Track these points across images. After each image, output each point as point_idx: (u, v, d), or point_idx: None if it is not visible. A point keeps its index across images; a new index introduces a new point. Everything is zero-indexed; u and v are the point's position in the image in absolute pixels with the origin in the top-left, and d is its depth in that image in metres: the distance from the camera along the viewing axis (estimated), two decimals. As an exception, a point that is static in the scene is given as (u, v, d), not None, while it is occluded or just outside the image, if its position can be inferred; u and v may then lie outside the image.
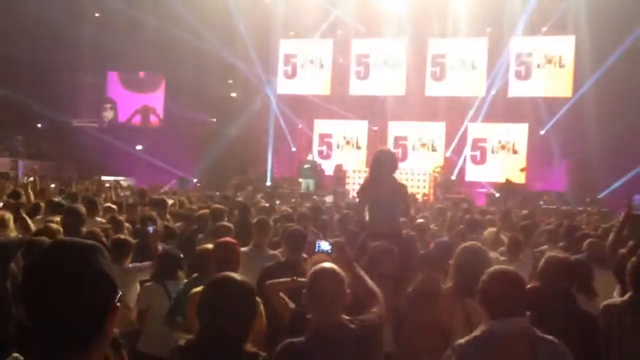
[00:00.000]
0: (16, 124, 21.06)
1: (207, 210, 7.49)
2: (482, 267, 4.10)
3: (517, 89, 20.36)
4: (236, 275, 2.62)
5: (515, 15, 19.39)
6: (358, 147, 21.91)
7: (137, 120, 24.29)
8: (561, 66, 19.99)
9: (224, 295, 2.50)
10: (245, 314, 2.51)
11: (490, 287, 2.95)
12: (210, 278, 2.76)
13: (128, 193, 11.49)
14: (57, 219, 5.86)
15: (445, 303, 4.03)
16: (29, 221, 5.91)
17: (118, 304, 1.59)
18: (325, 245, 3.23)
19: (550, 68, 20.14)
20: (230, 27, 21.27)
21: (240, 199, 11.82)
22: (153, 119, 24.08)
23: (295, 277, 3.57)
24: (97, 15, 21.34)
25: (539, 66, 20.22)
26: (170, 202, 8.58)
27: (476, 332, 2.92)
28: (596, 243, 5.90)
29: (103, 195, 9.39)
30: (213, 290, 2.56)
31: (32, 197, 7.84)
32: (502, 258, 6.19)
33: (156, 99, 23.84)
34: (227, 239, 4.46)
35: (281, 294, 3.62)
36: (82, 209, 6.01)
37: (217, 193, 13.93)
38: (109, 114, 24.46)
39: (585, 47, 18.65)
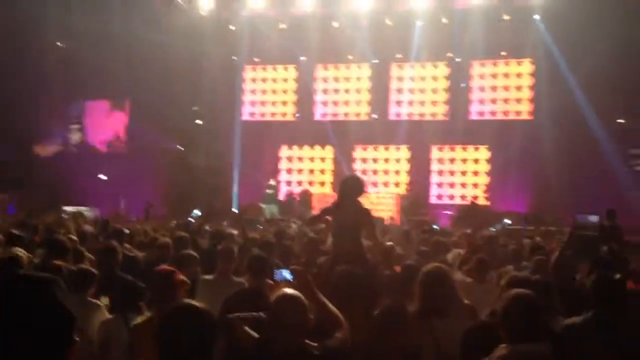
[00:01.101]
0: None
1: (168, 239, 7.41)
2: (447, 288, 4.15)
3: (478, 112, 20.77)
4: (194, 302, 2.60)
5: (474, 40, 19.80)
6: (324, 172, 22.00)
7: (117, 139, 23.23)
8: (520, 90, 20.47)
9: (183, 323, 2.45)
10: (206, 341, 2.47)
11: (511, 310, 2.94)
12: (167, 307, 2.71)
13: (91, 227, 11.27)
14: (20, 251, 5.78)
15: (412, 326, 4.04)
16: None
17: (77, 338, 1.56)
18: (286, 273, 3.23)
19: (510, 91, 20.61)
20: (195, 54, 21.31)
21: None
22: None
23: (260, 313, 3.48)
24: (58, 44, 21.10)
25: (498, 90, 20.67)
26: (126, 231, 8.39)
27: (494, 354, 2.90)
28: (544, 260, 6.00)
29: (62, 229, 9.16)
30: (172, 319, 2.51)
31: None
32: (469, 280, 6.21)
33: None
34: (164, 267, 4.40)
35: (245, 327, 3.57)
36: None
37: (173, 221, 13.75)
38: (76, 136, 23.31)
39: (544, 70, 19.16)
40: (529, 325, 2.91)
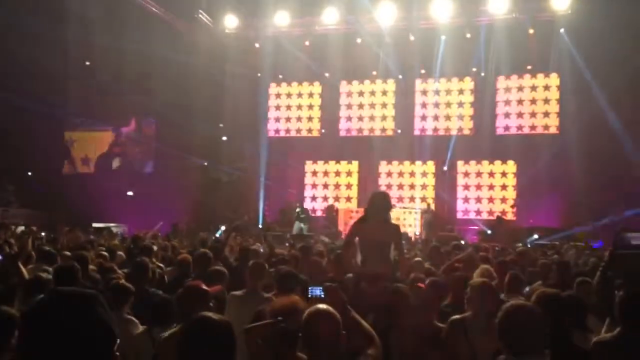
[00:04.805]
0: (6, 173, 20.91)
1: (188, 256, 7.43)
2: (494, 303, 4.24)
3: (504, 127, 20.66)
4: (213, 315, 2.59)
5: (499, 55, 19.75)
6: (349, 188, 22.01)
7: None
8: (546, 103, 20.33)
9: (202, 336, 2.45)
10: (225, 353, 2.47)
11: (510, 323, 2.94)
12: (187, 320, 2.72)
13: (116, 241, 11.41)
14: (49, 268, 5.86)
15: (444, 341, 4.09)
16: (24, 270, 5.87)
17: (117, 353, 1.60)
18: (317, 290, 3.23)
19: (536, 105, 20.47)
20: (220, 71, 21.53)
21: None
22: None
23: (279, 319, 3.37)
24: (87, 63, 21.44)
25: (524, 104, 20.55)
26: (155, 248, 8.49)
27: None
28: (587, 282, 5.89)
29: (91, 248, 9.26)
30: (191, 332, 2.52)
31: (30, 247, 7.68)
32: (501, 295, 6.17)
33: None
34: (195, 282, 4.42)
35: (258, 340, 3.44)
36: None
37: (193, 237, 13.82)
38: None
39: (570, 83, 18.99)
40: (529, 337, 2.90)
